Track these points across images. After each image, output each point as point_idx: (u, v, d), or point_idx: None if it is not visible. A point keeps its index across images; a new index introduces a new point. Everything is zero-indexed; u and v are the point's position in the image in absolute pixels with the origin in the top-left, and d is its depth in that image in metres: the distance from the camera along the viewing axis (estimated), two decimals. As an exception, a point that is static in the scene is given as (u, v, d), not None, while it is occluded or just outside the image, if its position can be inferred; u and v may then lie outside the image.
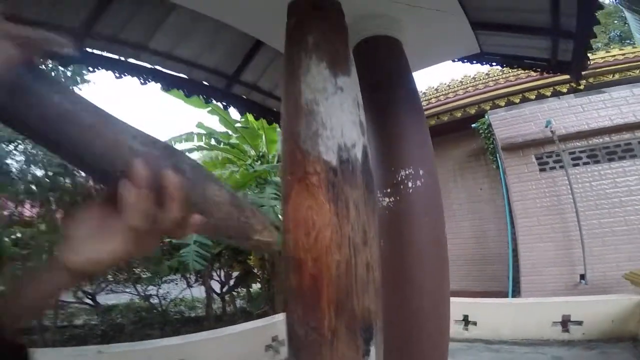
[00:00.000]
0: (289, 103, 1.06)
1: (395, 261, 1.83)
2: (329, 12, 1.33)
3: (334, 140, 0.95)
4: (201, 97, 2.80)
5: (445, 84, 5.59)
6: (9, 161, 8.64)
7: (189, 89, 2.71)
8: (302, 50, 1.13)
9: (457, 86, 5.19)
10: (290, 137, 1.00)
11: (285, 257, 1.02)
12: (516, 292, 4.14)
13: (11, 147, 8.63)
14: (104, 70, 2.40)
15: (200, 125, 5.76)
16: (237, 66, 2.82)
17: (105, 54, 2.35)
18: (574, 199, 3.73)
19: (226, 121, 5.55)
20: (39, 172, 8.70)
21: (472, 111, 4.76)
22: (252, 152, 6.08)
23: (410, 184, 1.73)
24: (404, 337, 1.79)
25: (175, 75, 2.70)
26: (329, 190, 0.93)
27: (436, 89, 5.52)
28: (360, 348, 1.09)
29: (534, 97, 4.26)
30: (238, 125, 5.59)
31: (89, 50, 2.27)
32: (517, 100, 4.39)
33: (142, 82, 2.43)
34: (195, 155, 6.37)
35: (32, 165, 8.73)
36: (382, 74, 1.96)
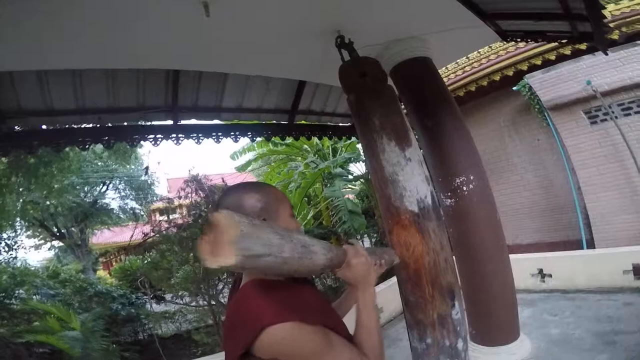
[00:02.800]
0: (377, 175, 1.74)
1: (461, 243, 2.49)
2: (377, 79, 1.92)
3: (414, 197, 1.63)
4: (279, 137, 3.59)
5: (476, 51, 5.65)
6: (106, 200, 10.65)
7: (268, 134, 3.50)
8: (373, 132, 1.77)
9: (489, 52, 5.28)
10: (384, 198, 1.69)
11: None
12: (590, 242, 4.42)
13: (103, 188, 10.62)
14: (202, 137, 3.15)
15: (257, 133, 6.69)
16: (292, 101, 3.54)
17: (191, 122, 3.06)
18: (629, 147, 3.80)
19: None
20: (135, 205, 10.62)
21: (510, 73, 4.84)
22: (308, 147, 6.91)
23: (464, 188, 2.33)
24: (478, 295, 2.47)
25: (254, 125, 3.49)
26: (415, 225, 1.63)
27: (468, 58, 5.63)
28: (449, 304, 1.83)
29: (570, 52, 4.24)
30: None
31: (183, 122, 3.06)
32: (553, 57, 4.38)
33: (234, 139, 3.24)
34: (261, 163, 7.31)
35: (127, 200, 10.66)
36: (424, 97, 2.49)
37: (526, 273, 3.90)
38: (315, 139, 6.94)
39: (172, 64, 2.50)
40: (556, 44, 3.98)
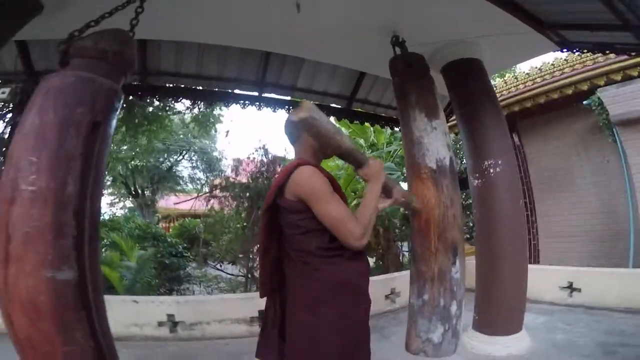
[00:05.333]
0: (407, 138, 2.33)
1: (483, 223, 2.89)
2: (420, 71, 2.48)
3: (434, 157, 2.18)
4: (337, 118, 4.32)
5: (549, 63, 5.69)
6: (180, 168, 12.45)
7: (328, 113, 4.24)
8: (409, 106, 2.36)
9: (563, 64, 5.32)
10: (410, 156, 2.27)
11: (412, 212, 2.31)
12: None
13: (179, 157, 12.45)
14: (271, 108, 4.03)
15: (317, 123, 7.50)
16: (352, 89, 4.22)
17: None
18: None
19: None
20: (201, 175, 12.27)
21: (585, 87, 4.82)
22: (362, 142, 7.54)
23: (491, 170, 2.74)
24: (489, 277, 2.77)
25: (317, 105, 4.24)
26: (432, 180, 2.17)
27: (539, 69, 5.71)
28: (450, 260, 2.29)
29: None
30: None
31: (266, 95, 3.97)
32: (636, 73, 4.30)
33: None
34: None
35: (197, 171, 12.35)
36: (469, 95, 2.93)
37: (555, 285, 3.96)
38: (371, 137, 7.55)
39: (268, 47, 3.34)
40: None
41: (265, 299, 1.44)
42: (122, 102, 1.73)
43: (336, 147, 1.36)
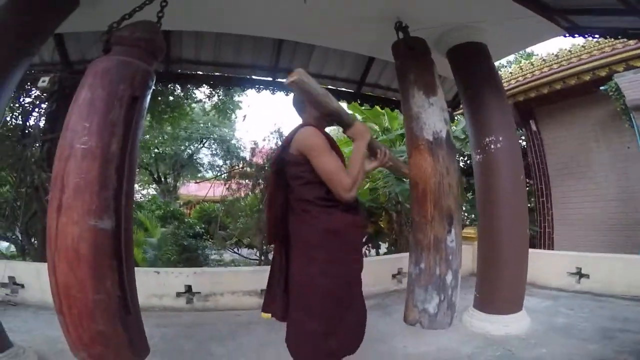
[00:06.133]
0: (406, 113, 2.53)
1: (484, 199, 3.03)
2: (420, 53, 2.64)
3: (431, 130, 2.37)
4: (346, 101, 4.54)
5: (565, 49, 5.62)
6: (200, 155, 12.98)
7: (338, 97, 4.47)
8: (408, 84, 2.56)
9: (581, 51, 5.27)
10: (409, 129, 2.48)
11: (411, 182, 2.53)
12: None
13: (200, 145, 12.97)
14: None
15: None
16: (361, 73, 4.41)
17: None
18: None
19: (352, 104, 7.28)
20: (220, 162, 12.75)
21: (603, 73, 4.82)
22: (376, 127, 7.71)
23: (492, 147, 2.81)
24: (490, 253, 2.82)
25: (328, 88, 4.48)
26: (429, 151, 2.37)
27: (556, 55, 5.65)
28: (446, 228, 2.48)
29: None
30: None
31: (279, 80, 4.23)
32: None
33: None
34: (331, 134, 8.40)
35: (216, 158, 12.83)
36: (472, 76, 3.01)
37: (563, 271, 3.95)
38: (385, 122, 7.71)
39: (280, 35, 3.58)
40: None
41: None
42: (154, 81, 2.04)
43: (325, 107, 1.49)
